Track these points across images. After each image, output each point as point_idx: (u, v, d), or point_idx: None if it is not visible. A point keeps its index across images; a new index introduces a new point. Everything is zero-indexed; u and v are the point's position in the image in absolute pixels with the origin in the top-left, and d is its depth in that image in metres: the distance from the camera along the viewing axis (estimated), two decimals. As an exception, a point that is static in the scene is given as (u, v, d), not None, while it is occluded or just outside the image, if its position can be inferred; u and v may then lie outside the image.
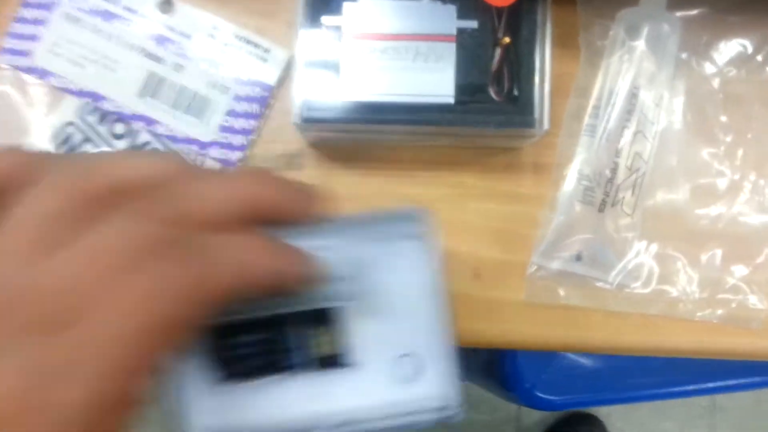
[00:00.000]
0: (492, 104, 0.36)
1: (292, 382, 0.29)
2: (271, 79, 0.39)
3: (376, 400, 0.29)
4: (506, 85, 0.36)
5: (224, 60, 0.39)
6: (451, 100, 0.36)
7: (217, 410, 0.28)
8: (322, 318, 0.29)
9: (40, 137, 0.39)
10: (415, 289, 0.30)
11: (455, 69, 0.36)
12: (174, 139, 0.39)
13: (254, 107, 0.39)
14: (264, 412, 0.29)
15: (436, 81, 0.36)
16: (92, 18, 0.39)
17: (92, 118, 0.39)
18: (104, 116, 0.39)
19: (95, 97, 0.39)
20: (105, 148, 0.39)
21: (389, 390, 0.29)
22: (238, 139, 0.39)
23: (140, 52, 0.39)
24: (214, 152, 0.39)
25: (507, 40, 0.36)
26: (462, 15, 0.36)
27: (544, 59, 0.36)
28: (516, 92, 0.36)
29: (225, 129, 0.39)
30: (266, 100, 0.39)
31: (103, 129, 0.39)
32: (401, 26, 0.36)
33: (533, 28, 0.36)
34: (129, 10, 0.39)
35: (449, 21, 0.36)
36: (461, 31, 0.36)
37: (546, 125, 0.35)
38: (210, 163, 0.39)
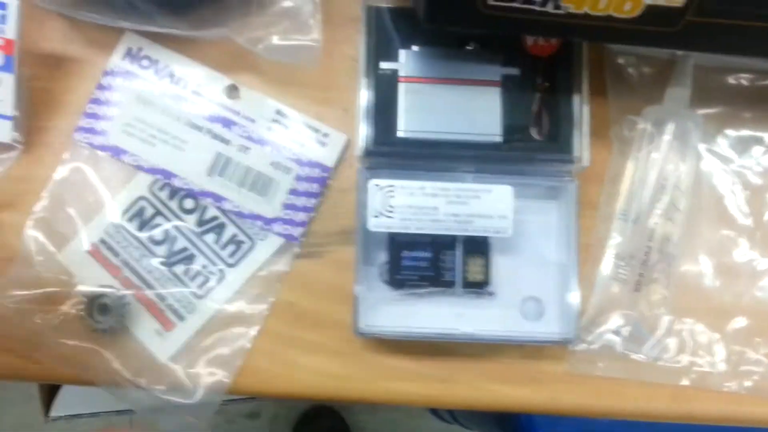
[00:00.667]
0: (535, 143, 0.40)
1: (447, 297, 0.41)
2: (330, 161, 0.43)
3: (506, 327, 0.40)
4: (546, 125, 0.40)
5: (286, 143, 0.43)
6: (500, 139, 0.40)
7: (386, 313, 0.40)
8: (479, 247, 0.41)
9: (114, 210, 0.42)
10: (551, 244, 0.41)
11: (501, 111, 0.40)
12: (240, 214, 0.42)
13: (314, 187, 0.42)
14: (420, 320, 0.40)
15: (485, 121, 0.40)
16: (163, 100, 0.43)
17: (163, 194, 0.42)
18: (174, 192, 0.42)
19: (166, 174, 0.42)
20: (177, 224, 0.42)
21: (516, 322, 0.41)
22: (299, 216, 0.42)
23: (208, 134, 0.42)
24: (278, 228, 0.42)
25: (546, 85, 0.40)
26: (506, 63, 0.41)
27: (582, 103, 0.40)
28: (556, 132, 0.40)
29: (288, 206, 0.42)
30: (325, 180, 0.43)
31: (173, 204, 0.42)
32: (452, 71, 0.41)
33: (570, 75, 0.40)
34: (197, 94, 0.43)
35: (495, 68, 0.41)
36: (506, 77, 0.41)
37: (585, 162, 0.40)
38: (274, 238, 0.42)
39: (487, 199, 0.39)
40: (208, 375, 0.41)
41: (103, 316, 0.40)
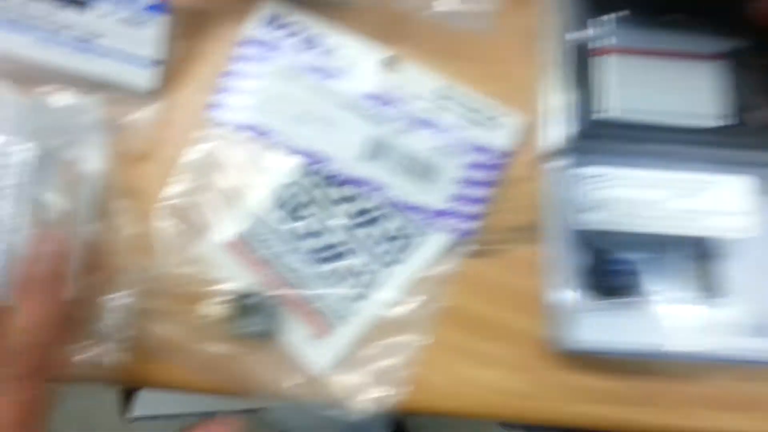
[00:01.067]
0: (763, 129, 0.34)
1: (658, 308, 0.34)
2: (506, 145, 0.37)
3: (728, 345, 0.33)
4: None
5: (454, 124, 0.37)
6: (724, 121, 0.34)
7: (588, 326, 0.33)
8: (705, 251, 0.34)
9: (256, 199, 0.36)
10: None
11: (726, 89, 0.34)
12: (402, 206, 0.36)
13: (488, 175, 0.37)
14: (625, 333, 0.33)
15: (704, 100, 0.34)
16: (311, 75, 0.37)
17: (312, 180, 0.37)
18: (325, 178, 0.36)
19: (316, 157, 0.36)
20: (334, 213, 0.36)
21: (740, 339, 0.34)
22: (471, 209, 0.36)
23: (362, 113, 0.37)
24: (445, 221, 0.36)
25: None
26: (727, 33, 0.35)
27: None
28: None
29: (456, 198, 0.36)
30: (500, 167, 0.37)
31: (324, 192, 0.36)
32: (658, 42, 0.35)
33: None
34: (349, 68, 0.37)
35: (711, 39, 0.35)
36: (730, 50, 0.35)
37: None
38: (441, 233, 0.36)
39: (719, 193, 0.33)
40: (369, 389, 0.35)
41: (250, 319, 0.35)
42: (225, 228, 0.36)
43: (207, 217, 0.36)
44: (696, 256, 0.34)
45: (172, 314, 0.35)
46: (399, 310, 0.36)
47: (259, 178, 0.37)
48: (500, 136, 0.37)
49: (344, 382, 0.35)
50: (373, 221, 0.36)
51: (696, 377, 0.35)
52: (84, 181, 0.35)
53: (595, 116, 0.33)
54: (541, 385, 0.35)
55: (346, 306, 0.36)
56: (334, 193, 0.36)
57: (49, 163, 0.32)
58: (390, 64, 0.37)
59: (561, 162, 0.34)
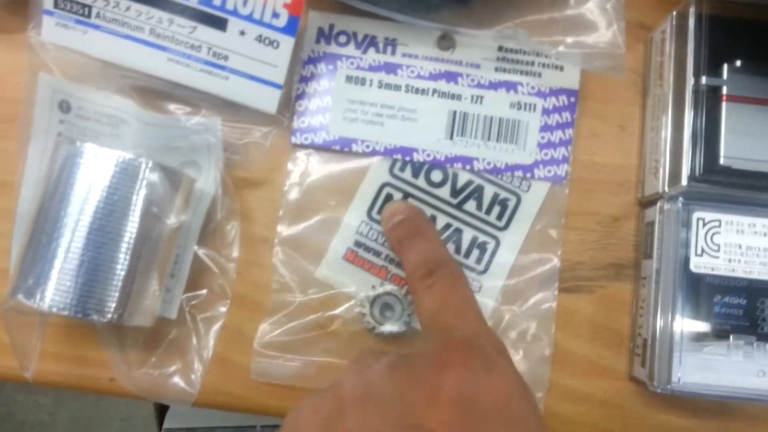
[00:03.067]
0: None
1: (756, 351, 0.34)
2: (574, 83, 0.38)
3: None
4: None
5: (521, 78, 0.38)
6: None
7: (687, 367, 0.34)
8: None
9: (360, 207, 0.37)
10: None
11: None
12: (496, 170, 0.37)
13: (566, 116, 0.38)
14: (721, 375, 0.34)
15: None
16: (375, 74, 0.37)
17: (406, 173, 0.37)
18: (418, 168, 0.37)
19: (404, 151, 0.37)
20: (431, 201, 0.37)
21: None
22: (560, 152, 0.38)
23: (434, 94, 0.37)
24: (540, 172, 0.38)
25: None
26: None
27: None
28: None
29: (544, 146, 0.38)
30: (575, 106, 0.38)
31: (420, 181, 0.37)
32: None
33: None
34: (409, 56, 0.38)
35: None
36: None
37: None
38: (539, 185, 0.38)
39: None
40: (530, 361, 0.37)
41: (389, 318, 0.36)
42: (338, 243, 0.37)
43: (320, 240, 0.37)
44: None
45: (318, 340, 0.36)
46: (522, 275, 0.37)
47: (358, 187, 0.37)
48: (568, 75, 0.38)
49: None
50: (474, 194, 0.38)
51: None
52: (200, 199, 0.36)
53: (713, 162, 0.34)
54: (629, 423, 0.37)
55: (474, 280, 0.37)
56: (429, 180, 0.37)
57: (170, 179, 0.32)
58: (445, 40, 0.38)
59: (674, 204, 0.35)
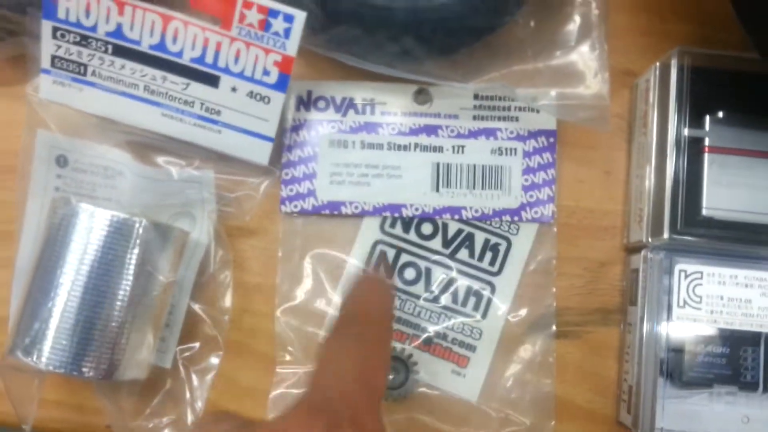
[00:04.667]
0: None
1: (739, 399, 0.35)
2: (551, 123, 0.38)
3: None
4: None
5: (499, 124, 0.38)
6: None
7: (670, 414, 0.34)
8: None
9: (355, 267, 0.38)
10: None
11: None
12: (484, 217, 0.38)
13: (546, 157, 0.38)
14: (703, 422, 0.35)
15: None
16: (357, 135, 0.39)
17: (397, 229, 0.38)
18: (407, 223, 0.38)
19: (392, 208, 0.38)
20: (424, 254, 0.38)
21: None
22: (544, 193, 0.38)
23: (417, 149, 0.38)
24: (527, 214, 0.38)
25: None
26: None
27: None
28: None
29: (528, 188, 0.38)
30: (554, 146, 0.38)
31: (411, 236, 0.38)
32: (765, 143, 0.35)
33: None
34: (388, 113, 0.39)
35: None
36: None
37: None
38: (527, 226, 0.38)
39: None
40: (533, 403, 0.37)
41: (395, 378, 0.37)
42: (337, 303, 0.38)
43: (320, 304, 0.38)
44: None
45: None
46: (521, 315, 0.38)
47: (351, 248, 0.38)
48: (542, 116, 0.38)
49: (507, 402, 0.37)
50: (465, 242, 0.38)
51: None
52: (194, 251, 0.37)
53: (695, 213, 0.35)
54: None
55: (474, 328, 0.38)
56: (420, 233, 0.38)
57: (163, 236, 0.33)
58: (421, 96, 0.39)
59: (657, 254, 0.35)
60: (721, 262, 0.35)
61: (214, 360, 0.37)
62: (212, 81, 0.35)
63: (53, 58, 0.35)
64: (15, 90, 0.38)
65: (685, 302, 0.35)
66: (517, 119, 0.38)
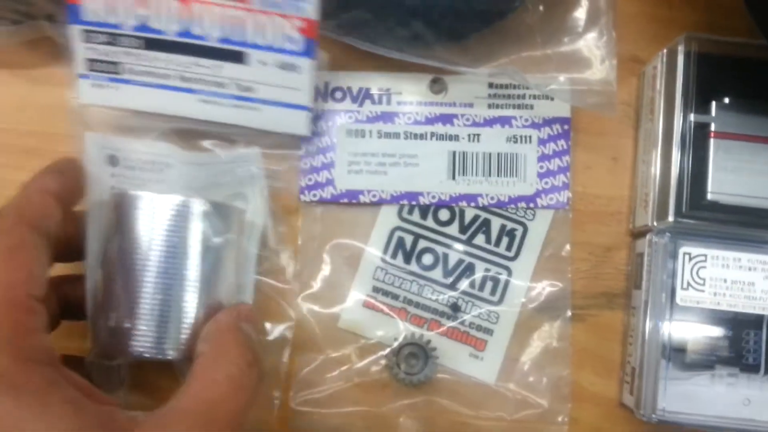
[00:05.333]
0: None
1: (741, 382, 0.36)
2: (566, 111, 0.39)
3: None
4: None
5: (514, 112, 0.39)
6: None
7: (671, 396, 0.35)
8: None
9: (373, 254, 0.39)
10: None
11: None
12: (500, 204, 0.39)
13: (561, 144, 0.39)
14: (706, 405, 0.35)
15: None
16: (374, 125, 0.39)
17: (414, 216, 0.39)
18: (425, 210, 0.39)
19: (409, 196, 0.39)
20: (441, 239, 0.39)
21: None
22: (559, 179, 0.39)
23: (433, 138, 0.39)
24: (543, 201, 0.39)
25: None
26: None
27: None
28: None
29: (543, 175, 0.39)
30: (569, 133, 0.39)
31: (428, 222, 0.39)
32: None
33: None
34: (404, 103, 0.39)
35: None
36: None
37: None
38: (543, 212, 0.39)
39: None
40: (550, 385, 0.38)
41: (415, 364, 0.38)
42: (358, 292, 0.39)
43: (338, 291, 0.39)
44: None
45: (350, 393, 0.38)
46: (537, 298, 0.39)
47: (369, 236, 0.39)
48: (557, 104, 0.39)
49: (524, 383, 0.39)
50: (481, 228, 0.39)
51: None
52: (252, 231, 0.38)
53: (700, 197, 0.35)
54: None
55: (491, 312, 0.39)
56: (437, 219, 0.39)
57: (221, 214, 0.34)
58: (437, 85, 0.39)
59: (661, 238, 0.36)
60: (725, 245, 0.36)
61: (288, 334, 0.38)
62: (241, 58, 0.35)
63: (88, 61, 0.36)
64: (33, 73, 0.39)
65: (688, 284, 0.36)
66: (531, 107, 0.39)
